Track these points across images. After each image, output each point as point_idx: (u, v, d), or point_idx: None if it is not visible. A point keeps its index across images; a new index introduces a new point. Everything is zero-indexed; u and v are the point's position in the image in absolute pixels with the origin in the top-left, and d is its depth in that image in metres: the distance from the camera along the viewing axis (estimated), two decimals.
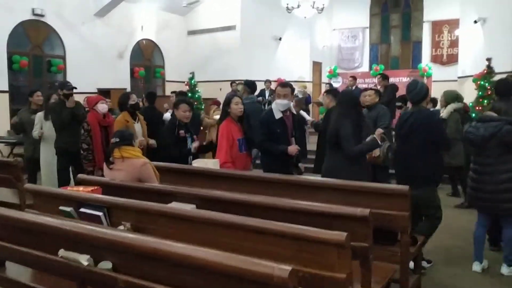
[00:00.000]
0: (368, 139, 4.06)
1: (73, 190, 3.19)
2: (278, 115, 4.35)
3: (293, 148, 4.32)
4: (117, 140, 3.43)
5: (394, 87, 8.42)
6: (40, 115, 5.93)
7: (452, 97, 6.48)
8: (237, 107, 4.34)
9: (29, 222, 2.29)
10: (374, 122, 5.27)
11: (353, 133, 3.88)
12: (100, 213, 2.77)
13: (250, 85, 6.61)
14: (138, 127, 5.28)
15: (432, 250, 4.35)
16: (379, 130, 4.40)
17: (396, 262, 3.09)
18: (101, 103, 5.14)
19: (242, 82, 12.39)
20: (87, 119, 5.06)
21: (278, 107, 4.35)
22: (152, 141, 5.39)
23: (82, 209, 2.86)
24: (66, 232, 2.15)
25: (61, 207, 2.91)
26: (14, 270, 2.73)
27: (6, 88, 9.50)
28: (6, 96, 9.51)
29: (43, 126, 5.86)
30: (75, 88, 5.65)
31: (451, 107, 6.36)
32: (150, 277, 1.91)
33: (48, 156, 5.84)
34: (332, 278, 2.02)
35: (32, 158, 6.16)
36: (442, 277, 3.95)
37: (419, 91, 3.98)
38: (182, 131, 4.60)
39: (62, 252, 2.17)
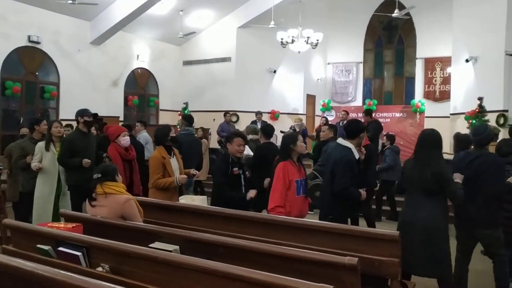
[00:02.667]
0: None
1: (53, 226, 3.09)
2: (357, 155, 4.10)
3: (364, 193, 4.10)
4: (99, 175, 3.35)
5: (378, 124, 8.57)
6: (41, 145, 5.38)
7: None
8: (302, 144, 4.07)
9: (2, 264, 2.18)
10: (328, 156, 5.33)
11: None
12: (79, 253, 2.66)
13: (187, 118, 7.10)
14: (175, 162, 4.77)
15: None
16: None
17: None
18: (123, 136, 4.90)
19: (236, 113, 12.55)
20: (108, 152, 4.79)
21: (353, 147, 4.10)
22: (194, 171, 5.00)
23: (60, 248, 2.75)
24: (39, 277, 2.04)
25: (38, 245, 2.80)
26: None
27: None
28: None
29: (43, 158, 5.32)
30: (97, 115, 5.39)
31: None
32: None
33: (44, 191, 5.31)
34: None
35: (32, 194, 5.46)
36: None
37: (487, 135, 4.05)
38: (235, 169, 4.28)
39: None
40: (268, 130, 5.74)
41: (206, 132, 10.84)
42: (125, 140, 4.91)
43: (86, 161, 5.01)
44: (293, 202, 3.94)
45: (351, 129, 4.22)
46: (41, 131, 5.80)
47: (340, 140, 4.26)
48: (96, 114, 5.38)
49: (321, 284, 1.94)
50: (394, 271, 2.91)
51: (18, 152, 5.73)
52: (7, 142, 7.43)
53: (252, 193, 4.18)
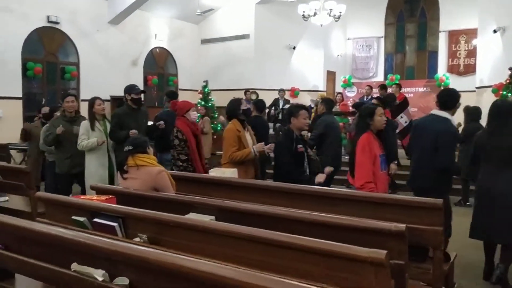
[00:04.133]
0: None
1: (86, 199, 3.06)
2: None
3: None
4: (130, 148, 3.29)
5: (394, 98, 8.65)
6: (86, 124, 5.14)
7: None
8: (381, 119, 3.82)
9: (40, 232, 2.14)
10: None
11: None
12: (115, 224, 2.62)
13: (170, 95, 7.15)
14: (248, 137, 4.60)
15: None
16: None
17: (427, 280, 2.90)
18: (192, 111, 4.80)
19: (255, 91, 12.40)
20: (179, 127, 4.64)
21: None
22: (268, 146, 4.68)
23: (96, 219, 2.72)
24: (80, 245, 2.00)
25: (73, 217, 2.77)
26: (24, 283, 2.60)
27: (20, 94, 9.47)
28: (19, 103, 9.47)
29: (90, 138, 5.08)
30: (144, 92, 5.23)
31: None
32: None
33: (98, 172, 5.07)
34: None
35: (68, 174, 5.31)
36: None
37: None
38: (300, 146, 4.13)
39: (75, 266, 2.02)
40: (260, 105, 6.03)
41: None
42: (194, 115, 4.80)
43: (133, 132, 4.89)
44: (378, 178, 3.70)
45: (449, 98, 3.98)
46: (65, 107, 5.55)
47: (436, 112, 4.00)
48: (143, 91, 5.21)
49: (372, 249, 1.85)
50: (437, 240, 2.80)
51: (51, 129, 5.42)
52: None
53: (321, 178, 4.00)
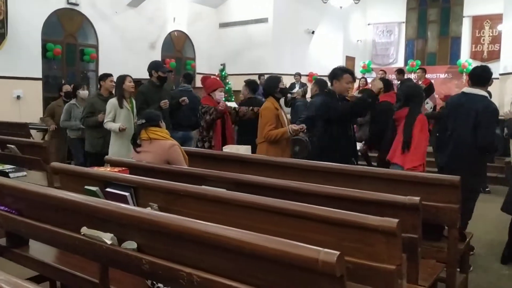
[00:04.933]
0: None
1: (99, 170, 3.07)
2: None
3: None
4: (143, 121, 3.29)
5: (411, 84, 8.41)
6: (113, 102, 4.99)
7: None
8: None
9: (51, 197, 2.15)
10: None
11: None
12: (126, 193, 2.62)
13: (186, 76, 7.12)
14: (283, 116, 4.52)
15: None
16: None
17: (442, 259, 2.84)
18: (219, 91, 4.69)
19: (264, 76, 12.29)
20: (202, 103, 4.61)
21: None
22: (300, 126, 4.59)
23: (108, 189, 2.72)
24: (89, 209, 2.00)
25: (86, 186, 2.78)
26: (38, 250, 2.63)
27: (40, 75, 9.58)
28: (39, 84, 9.59)
29: (117, 116, 4.98)
30: (171, 71, 5.27)
31: None
32: (177, 259, 1.73)
33: (122, 151, 4.85)
34: (379, 269, 1.80)
35: (100, 154, 5.01)
36: (490, 279, 3.65)
37: None
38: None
39: (84, 229, 2.03)
40: (253, 85, 6.09)
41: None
42: (220, 95, 4.68)
43: (164, 102, 4.92)
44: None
45: (483, 74, 3.88)
46: (107, 88, 5.44)
47: (470, 90, 3.88)
48: (171, 70, 5.19)
49: (384, 218, 1.81)
50: (453, 218, 2.74)
51: (88, 108, 5.40)
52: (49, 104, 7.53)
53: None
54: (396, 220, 1.76)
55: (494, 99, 5.79)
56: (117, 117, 4.98)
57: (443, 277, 2.84)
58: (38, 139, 8.82)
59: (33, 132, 8.82)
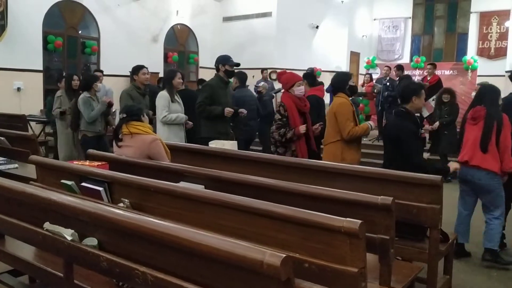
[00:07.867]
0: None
1: (79, 164, 3.04)
2: None
3: None
4: (124, 115, 3.26)
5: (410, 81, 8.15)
6: (166, 95, 4.90)
7: None
8: None
9: (12, 190, 2.13)
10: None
11: None
12: (100, 188, 2.59)
13: (241, 76, 6.96)
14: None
15: None
16: None
17: (424, 260, 2.78)
18: (298, 86, 4.24)
19: (276, 70, 12.21)
20: (283, 101, 4.20)
21: None
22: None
23: (83, 183, 2.69)
24: (51, 203, 1.97)
25: (62, 180, 2.76)
26: (14, 244, 2.61)
27: (41, 67, 9.58)
28: (40, 76, 9.59)
29: (170, 109, 4.89)
30: (239, 64, 5.01)
31: None
32: (135, 257, 1.70)
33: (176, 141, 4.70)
34: (342, 271, 1.75)
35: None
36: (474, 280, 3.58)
37: None
38: (422, 131, 3.99)
39: (47, 225, 2.00)
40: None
41: None
42: (299, 90, 4.24)
43: (229, 110, 4.66)
44: None
45: None
46: (141, 81, 5.30)
47: None
48: (238, 64, 4.97)
49: (348, 219, 1.75)
50: (435, 219, 2.67)
51: (126, 100, 5.15)
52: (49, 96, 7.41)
53: (455, 165, 3.65)
54: (359, 221, 1.71)
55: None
56: (170, 110, 4.91)
57: (424, 278, 2.79)
58: (38, 131, 8.86)
59: (33, 124, 8.85)
